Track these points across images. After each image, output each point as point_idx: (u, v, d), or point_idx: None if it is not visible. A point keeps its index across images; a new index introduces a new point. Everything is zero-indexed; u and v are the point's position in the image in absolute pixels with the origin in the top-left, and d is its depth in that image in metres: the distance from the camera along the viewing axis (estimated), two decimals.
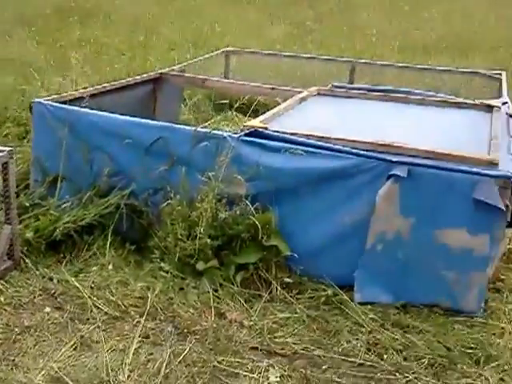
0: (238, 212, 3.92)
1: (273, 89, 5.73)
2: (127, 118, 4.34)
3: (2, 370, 3.17)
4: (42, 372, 3.16)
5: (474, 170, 3.62)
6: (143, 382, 3.07)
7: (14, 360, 3.26)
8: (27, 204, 4.31)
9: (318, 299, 3.70)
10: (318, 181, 3.88)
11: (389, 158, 3.75)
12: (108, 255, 4.04)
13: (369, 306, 3.67)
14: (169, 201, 4.03)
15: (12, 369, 3.19)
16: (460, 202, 3.63)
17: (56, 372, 3.15)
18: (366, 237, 3.76)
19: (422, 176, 3.68)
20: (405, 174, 3.67)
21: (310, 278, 3.85)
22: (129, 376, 3.11)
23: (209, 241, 3.83)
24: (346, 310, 3.62)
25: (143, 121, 4.33)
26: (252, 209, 3.90)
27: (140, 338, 3.38)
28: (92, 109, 4.53)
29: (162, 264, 3.89)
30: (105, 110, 4.49)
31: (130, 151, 4.23)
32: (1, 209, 4.08)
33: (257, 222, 3.83)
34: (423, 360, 3.28)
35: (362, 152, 3.83)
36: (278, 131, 4.09)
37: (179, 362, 3.21)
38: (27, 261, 4.01)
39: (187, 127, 4.31)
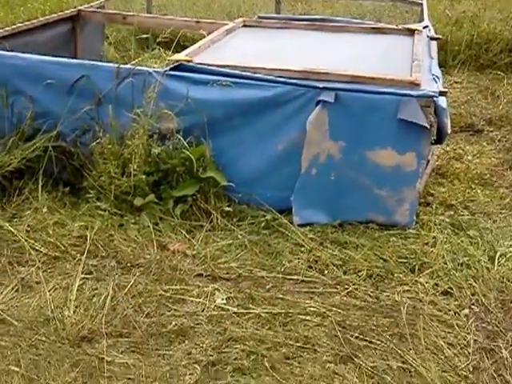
0: (170, 147, 3.94)
1: (198, 22, 5.65)
2: (46, 57, 4.20)
3: None
4: None
5: (398, 91, 3.78)
6: (89, 315, 3.10)
7: None
8: None
9: (258, 225, 3.81)
10: (249, 111, 3.94)
11: (316, 84, 3.85)
12: (41, 198, 3.96)
13: (308, 227, 3.84)
14: (98, 140, 3.98)
15: None
16: (386, 123, 3.80)
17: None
18: (299, 162, 3.88)
19: (348, 100, 3.81)
20: (332, 99, 3.79)
21: (249, 205, 3.95)
22: (74, 311, 3.13)
23: (144, 177, 3.84)
24: (286, 233, 3.76)
25: (63, 60, 4.22)
26: (185, 143, 3.93)
27: (83, 275, 3.38)
28: (7, 51, 4.35)
29: (99, 203, 3.87)
30: (21, 52, 4.32)
31: (53, 92, 4.11)
32: None
33: (191, 155, 3.86)
34: (362, 272, 3.49)
35: (289, 80, 3.91)
36: (203, 63, 4.09)
37: (125, 294, 3.25)
38: None
39: (110, 64, 4.24)
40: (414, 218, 3.92)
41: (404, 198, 3.86)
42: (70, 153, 4.13)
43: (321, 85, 3.82)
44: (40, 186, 4.02)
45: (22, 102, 4.18)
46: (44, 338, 3.00)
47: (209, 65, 4.06)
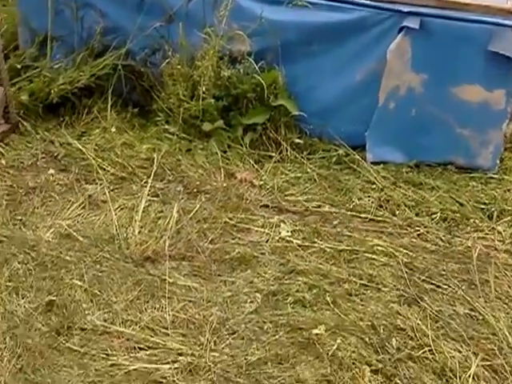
0: (241, 70, 3.79)
1: None
2: None
3: (10, 229, 3.20)
4: (51, 230, 3.20)
5: (491, 20, 3.44)
6: (154, 237, 3.12)
7: (21, 219, 3.29)
8: (18, 66, 4.13)
9: (329, 159, 3.68)
10: (326, 36, 3.70)
11: (400, 8, 3.55)
12: (110, 118, 3.95)
13: (381, 166, 3.66)
14: (168, 60, 3.88)
15: (20, 228, 3.23)
16: (475, 56, 3.49)
17: (65, 229, 3.19)
18: (377, 94, 3.65)
19: (435, 27, 3.51)
20: (417, 25, 3.49)
21: (321, 138, 3.81)
22: (139, 232, 3.15)
23: (213, 101, 3.73)
24: (358, 170, 3.62)
25: None
26: (257, 67, 3.77)
27: (149, 197, 3.39)
28: None
29: (167, 126, 3.82)
30: None
31: (123, 6, 4.00)
32: None
33: (262, 81, 3.71)
34: (435, 215, 3.32)
35: (371, 3, 3.62)
36: None
37: (190, 219, 3.24)
38: (26, 124, 3.94)
39: None
40: (498, 162, 3.66)
41: (489, 139, 3.60)
42: (140, 73, 4.06)
43: (405, 9, 3.52)
44: (109, 106, 4.00)
45: (92, 16, 4.10)
46: (108, 256, 3.05)
47: None
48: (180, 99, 3.76)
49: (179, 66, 3.83)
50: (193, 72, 3.76)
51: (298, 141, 3.74)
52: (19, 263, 2.99)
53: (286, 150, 3.70)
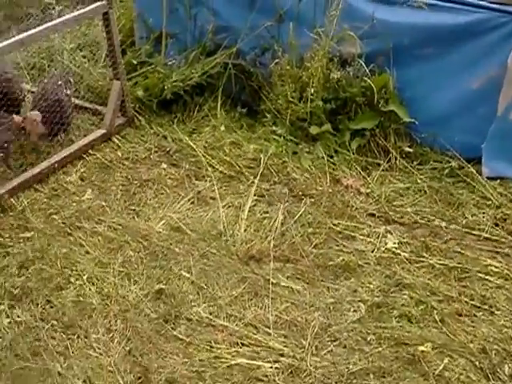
0: (351, 73, 3.79)
1: None
2: None
3: (124, 218, 3.42)
4: (162, 221, 3.38)
5: None
6: (259, 236, 3.22)
7: (135, 210, 3.49)
8: (134, 62, 4.37)
9: (441, 171, 3.60)
10: (442, 39, 3.61)
11: None
12: (220, 117, 4.09)
13: (498, 181, 3.53)
14: (277, 60, 3.94)
15: (134, 217, 3.44)
16: None
17: (175, 222, 3.36)
18: (496, 103, 3.52)
19: None
20: None
21: (432, 148, 3.73)
22: (245, 230, 3.26)
23: (321, 103, 3.76)
24: (472, 184, 3.51)
25: None
26: (367, 70, 3.74)
27: (255, 197, 3.49)
28: None
29: (275, 127, 3.90)
30: None
31: (234, 5, 4.11)
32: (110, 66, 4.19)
33: (372, 85, 3.68)
34: None
35: (492, 5, 3.49)
36: None
37: (294, 222, 3.31)
38: (140, 119, 4.17)
39: None
40: None
41: None
42: (249, 72, 4.17)
43: None
44: (219, 104, 4.15)
45: (204, 15, 4.24)
46: (215, 251, 3.18)
47: None
48: (288, 101, 3.82)
49: (288, 67, 3.88)
50: (302, 73, 3.81)
51: (408, 149, 3.69)
52: (132, 251, 3.19)
53: (395, 159, 3.66)
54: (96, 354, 2.69)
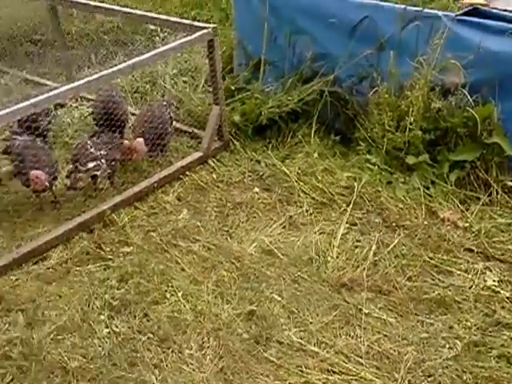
0: (453, 103, 3.76)
1: None
2: None
3: (218, 239, 3.55)
4: (254, 244, 3.49)
5: None
6: (351, 265, 3.26)
7: (228, 231, 3.63)
8: (232, 88, 4.57)
9: None
10: None
11: None
12: (313, 144, 4.18)
13: None
14: (376, 88, 3.99)
15: (227, 238, 3.57)
16: None
17: (267, 245, 3.46)
18: None
19: None
20: None
21: None
22: (337, 257, 3.31)
23: (420, 133, 3.76)
24: None
25: None
26: (471, 100, 3.70)
27: (347, 225, 3.54)
28: None
29: (369, 156, 3.94)
30: None
31: (334, 33, 4.18)
32: (208, 91, 4.39)
33: (476, 116, 3.64)
34: None
35: None
36: (502, 9, 3.74)
37: (388, 253, 3.32)
38: (236, 143, 4.34)
39: (396, 5, 4.07)
40: None
41: None
42: (345, 100, 4.24)
43: None
44: (313, 131, 4.25)
45: (303, 42, 4.34)
46: (306, 277, 3.24)
47: (509, 11, 3.70)
48: (384, 129, 3.86)
49: (387, 95, 3.92)
50: (401, 102, 3.83)
51: (510, 183, 3.61)
52: (225, 271, 3.31)
53: (497, 193, 3.60)
54: (189, 369, 2.80)
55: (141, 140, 4.00)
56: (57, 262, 3.45)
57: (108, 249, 3.52)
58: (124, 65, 3.72)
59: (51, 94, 3.48)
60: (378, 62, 4.05)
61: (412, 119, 3.75)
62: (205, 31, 3.99)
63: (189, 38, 3.95)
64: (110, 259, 3.45)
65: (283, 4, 4.41)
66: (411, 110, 3.77)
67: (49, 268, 3.41)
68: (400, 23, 3.89)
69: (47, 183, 3.72)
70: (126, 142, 4.06)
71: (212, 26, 4.06)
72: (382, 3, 4.13)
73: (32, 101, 3.39)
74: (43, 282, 3.31)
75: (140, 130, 4.05)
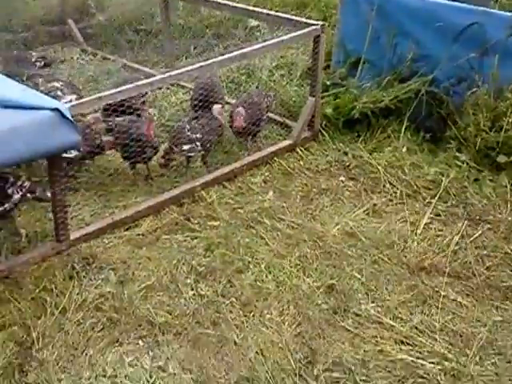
0: None
1: None
2: (440, 0, 4.66)
3: (302, 219, 4.00)
4: (337, 226, 3.91)
5: None
6: (432, 251, 3.62)
7: (312, 214, 4.07)
8: (328, 83, 5.04)
9: None
10: None
11: None
12: (402, 139, 4.57)
13: None
14: (474, 89, 4.34)
15: (311, 220, 4.01)
16: None
17: (350, 228, 3.87)
18: None
19: None
20: None
21: None
22: (418, 243, 3.67)
23: None
24: None
25: (457, 4, 4.61)
26: None
27: (431, 215, 3.90)
28: None
29: (458, 154, 4.29)
30: None
31: (439, 36, 4.58)
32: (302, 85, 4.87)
33: None
34: None
35: None
36: None
37: (469, 243, 3.66)
38: (325, 134, 4.79)
39: (506, 13, 4.47)
40: None
41: None
42: (440, 100, 4.60)
43: None
44: (403, 128, 4.63)
45: (405, 44, 4.76)
46: (386, 259, 3.62)
47: None
48: (479, 129, 4.21)
49: (486, 96, 4.27)
50: (499, 103, 4.18)
51: None
52: (308, 248, 3.74)
53: None
54: (269, 332, 3.23)
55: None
56: (147, 229, 3.99)
57: (196, 221, 4.03)
58: (235, 53, 4.27)
59: (163, 76, 4.06)
60: (480, 66, 4.42)
61: (510, 120, 4.10)
62: (313, 27, 4.53)
63: (299, 32, 4.48)
64: (198, 231, 3.95)
65: (392, 8, 4.85)
66: (510, 111, 4.12)
67: (139, 234, 3.95)
68: (508, 30, 4.26)
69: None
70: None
71: (321, 23, 4.60)
72: (492, 10, 4.54)
73: (146, 81, 3.98)
74: (134, 246, 3.85)
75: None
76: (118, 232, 3.95)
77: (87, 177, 4.38)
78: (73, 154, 4.16)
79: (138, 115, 4.69)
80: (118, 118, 4.46)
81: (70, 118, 3.46)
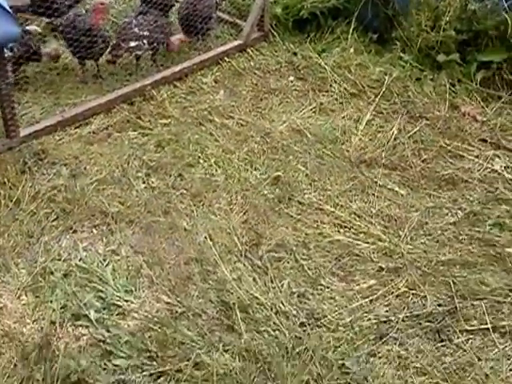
0: (488, 6, 4.27)
1: None
2: None
3: (251, 117, 4.20)
4: (285, 124, 4.13)
5: None
6: (372, 145, 3.89)
7: (261, 112, 4.27)
8: None
9: None
10: None
11: None
12: (350, 40, 4.74)
13: None
14: None
15: (259, 118, 4.22)
16: None
17: (297, 126, 4.10)
18: None
19: None
20: None
21: None
22: (360, 139, 3.94)
23: (453, 33, 4.29)
24: None
25: None
26: (506, 5, 4.20)
27: (373, 113, 4.15)
28: None
29: (402, 54, 4.51)
30: None
31: None
32: None
33: (508, 20, 4.15)
34: None
35: None
36: None
37: (408, 138, 3.94)
38: (275, 35, 4.91)
39: None
40: None
41: None
42: (386, 0, 4.71)
43: None
44: (351, 29, 4.79)
45: None
46: (329, 153, 3.88)
47: None
48: (421, 29, 4.40)
49: None
50: (439, 3, 4.36)
51: None
52: (256, 144, 3.96)
53: None
54: (217, 219, 3.48)
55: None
56: (98, 127, 4.13)
57: (147, 119, 4.18)
58: None
59: None
60: None
61: (447, 19, 4.29)
62: None
63: None
64: (149, 128, 4.11)
65: None
66: (448, 10, 4.32)
67: (90, 132, 4.09)
68: None
69: None
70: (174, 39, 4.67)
71: None
72: None
73: None
74: (85, 143, 3.99)
75: (184, 11, 4.65)
76: (68, 130, 4.08)
77: (33, 72, 4.45)
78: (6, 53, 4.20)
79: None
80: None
81: (7, 8, 3.50)
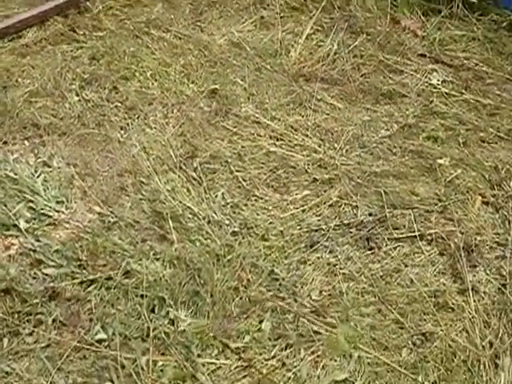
0: None
1: None
2: None
3: (189, 31, 4.06)
4: (224, 37, 4.02)
5: None
6: (312, 59, 3.83)
7: (200, 26, 4.13)
8: None
9: (499, 24, 4.09)
10: None
11: None
12: None
13: None
14: None
15: (198, 31, 4.08)
16: None
17: (237, 39, 3.99)
18: None
19: None
20: None
21: (497, 2, 4.15)
22: (300, 53, 3.87)
23: None
24: None
25: None
26: None
27: (314, 27, 4.07)
28: None
29: None
30: None
31: None
32: None
33: None
34: None
35: None
36: None
37: (347, 52, 3.89)
38: None
39: None
40: None
41: None
42: None
43: None
44: None
45: None
46: (269, 67, 3.81)
47: None
48: None
49: None
50: None
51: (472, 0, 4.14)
52: (193, 57, 3.86)
53: (457, 7, 4.14)
54: (152, 132, 3.40)
55: None
56: (31, 40, 3.94)
57: (81, 32, 4.00)
58: None
59: None
60: None
61: None
62: None
63: None
64: (83, 41, 3.94)
65: None
66: None
67: (23, 45, 3.89)
68: None
69: None
70: None
71: None
72: None
73: None
74: (17, 55, 3.81)
75: None
76: (0, 43, 3.89)
77: None
78: None
79: None
80: None
81: None
